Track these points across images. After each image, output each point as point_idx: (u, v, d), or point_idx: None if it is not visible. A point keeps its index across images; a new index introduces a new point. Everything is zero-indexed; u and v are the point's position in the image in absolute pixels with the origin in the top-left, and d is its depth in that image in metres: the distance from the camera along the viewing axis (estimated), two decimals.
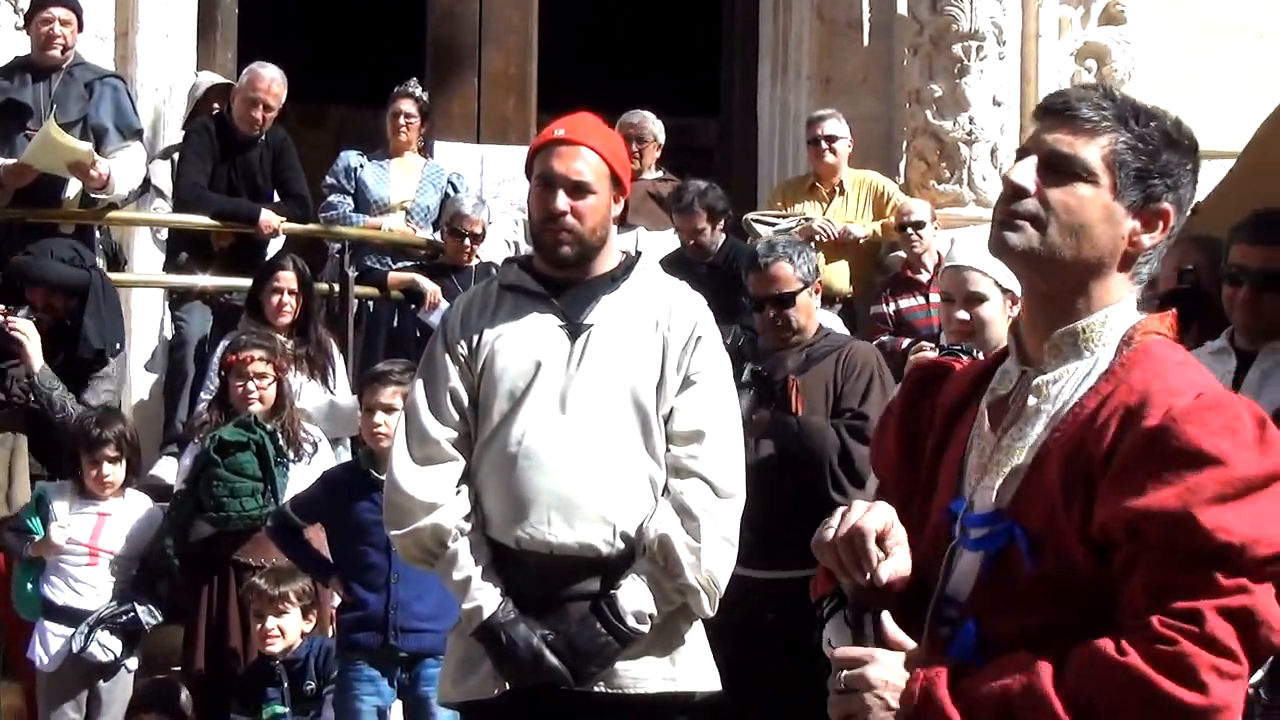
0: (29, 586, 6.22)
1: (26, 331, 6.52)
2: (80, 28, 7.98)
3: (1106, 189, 2.24)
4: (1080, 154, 2.23)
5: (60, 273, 6.95)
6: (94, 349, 7.00)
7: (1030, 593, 2.17)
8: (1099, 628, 2.09)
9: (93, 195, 7.65)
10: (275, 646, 5.71)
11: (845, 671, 2.15)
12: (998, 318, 4.95)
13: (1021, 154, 2.30)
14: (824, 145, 8.53)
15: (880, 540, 2.16)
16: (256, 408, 6.21)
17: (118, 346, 7.30)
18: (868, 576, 2.16)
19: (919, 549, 2.26)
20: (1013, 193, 2.24)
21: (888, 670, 2.12)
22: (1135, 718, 2.03)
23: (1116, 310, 2.28)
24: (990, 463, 2.28)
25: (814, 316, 5.78)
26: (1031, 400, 2.27)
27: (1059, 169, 2.24)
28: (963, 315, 5.02)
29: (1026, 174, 2.24)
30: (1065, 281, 2.26)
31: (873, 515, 2.19)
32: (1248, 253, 4.51)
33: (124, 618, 6.06)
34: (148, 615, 6.09)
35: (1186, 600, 2.02)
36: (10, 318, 6.47)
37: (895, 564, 2.18)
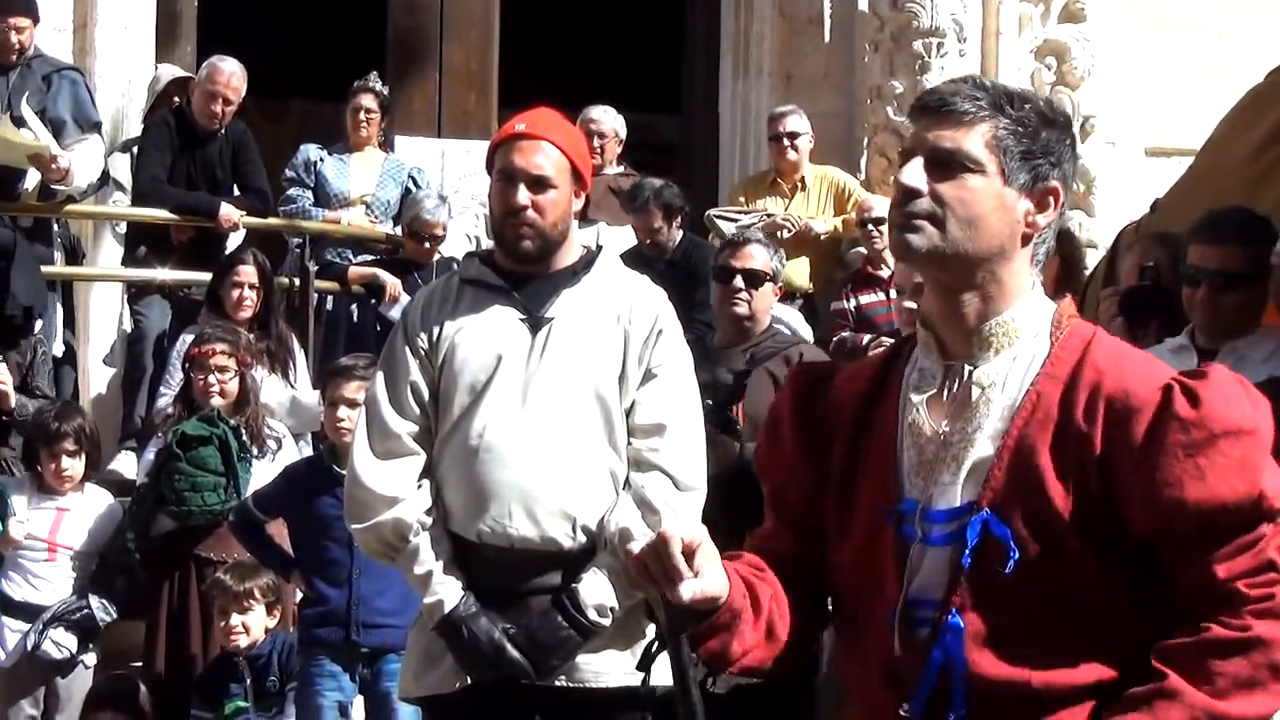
0: None
1: (6, 385, 6.51)
2: (37, 20, 7.95)
3: (995, 176, 2.22)
4: (963, 146, 2.21)
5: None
6: (22, 305, 6.95)
7: (1017, 583, 2.12)
8: (1095, 613, 2.13)
9: (52, 187, 7.59)
10: (240, 642, 5.68)
11: None
12: None
13: (906, 155, 2.27)
14: (785, 142, 8.53)
15: (688, 555, 2.10)
16: (218, 401, 6.18)
17: (44, 309, 7.25)
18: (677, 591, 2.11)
19: (845, 552, 2.26)
20: (905, 195, 2.22)
21: None
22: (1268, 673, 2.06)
23: (1032, 296, 2.29)
24: (939, 458, 2.24)
25: (768, 314, 5.77)
26: (975, 393, 2.24)
27: (946, 164, 2.21)
28: (910, 305, 5.04)
29: (916, 175, 2.21)
30: (972, 273, 2.24)
31: (680, 526, 2.16)
32: (1204, 253, 4.51)
33: (78, 614, 6.05)
34: (102, 612, 6.08)
35: (1253, 559, 2.07)
36: None
37: (702, 584, 2.12)
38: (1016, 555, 2.11)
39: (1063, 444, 2.13)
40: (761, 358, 5.47)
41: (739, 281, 5.60)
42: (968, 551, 2.15)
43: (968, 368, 2.24)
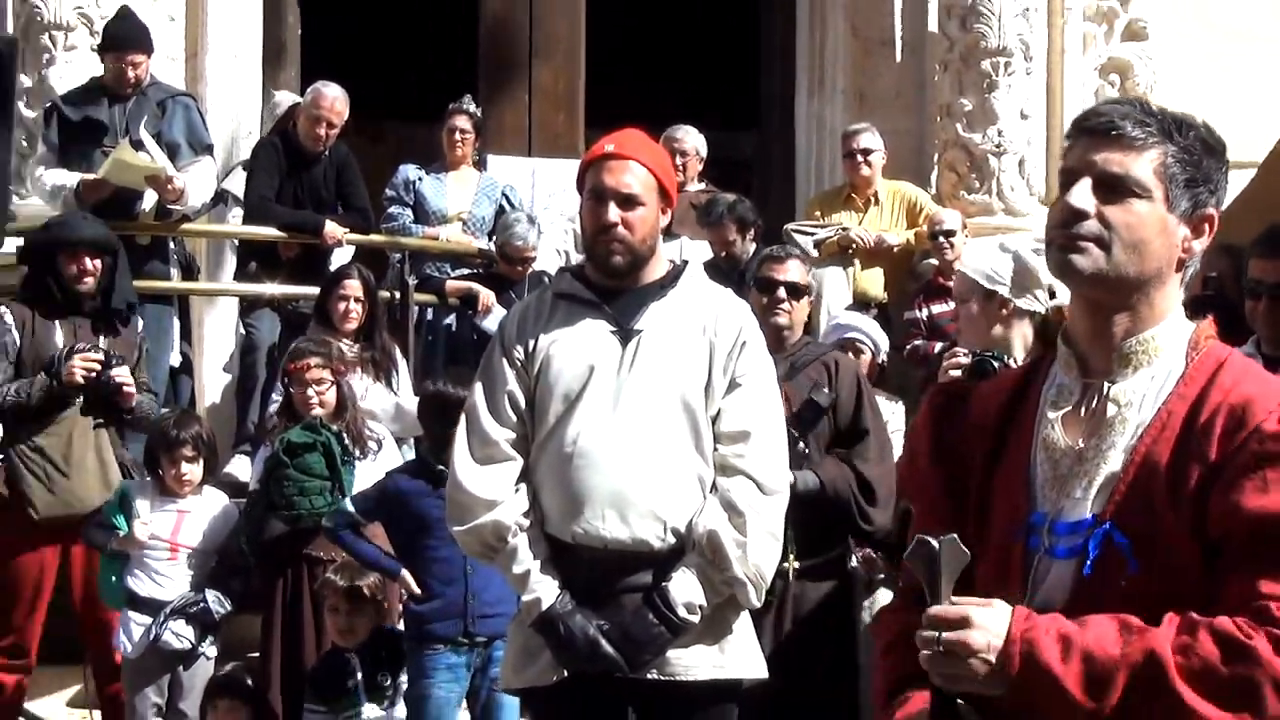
0: (114, 579, 6.25)
1: (127, 383, 6.51)
2: (152, 51, 8.03)
3: (1160, 202, 2.20)
4: (1133, 171, 2.19)
5: (99, 232, 6.87)
6: (126, 301, 6.98)
7: (1134, 595, 2.12)
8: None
9: (168, 207, 7.66)
10: (349, 639, 5.72)
11: (945, 634, 2.08)
12: (976, 317, 4.92)
13: (1070, 176, 2.24)
14: (859, 158, 8.51)
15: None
16: (318, 411, 6.21)
17: (132, 310, 7.21)
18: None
19: (982, 567, 2.21)
20: (1073, 216, 2.19)
21: (988, 626, 2.07)
22: (1250, 693, 2.02)
23: (1174, 317, 2.26)
24: (1073, 473, 2.23)
25: (802, 325, 5.74)
26: (1111, 410, 2.23)
27: (1114, 188, 2.19)
28: (974, 309, 4.97)
29: (1084, 197, 2.19)
30: (1130, 294, 2.23)
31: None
32: (1264, 266, 4.50)
33: (196, 608, 6.08)
34: (218, 605, 6.10)
35: None
36: (108, 369, 6.44)
37: None
38: (1135, 566, 2.12)
39: (1184, 460, 2.12)
40: (800, 366, 5.47)
41: (781, 293, 5.57)
42: (1089, 563, 2.15)
43: (1106, 384, 2.23)
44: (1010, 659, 2.05)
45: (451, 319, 8.12)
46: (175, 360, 8.15)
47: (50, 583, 6.48)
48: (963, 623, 2.07)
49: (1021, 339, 4.76)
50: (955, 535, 2.12)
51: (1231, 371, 2.20)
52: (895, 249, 8.42)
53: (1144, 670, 2.02)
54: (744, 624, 4.19)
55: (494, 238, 8.23)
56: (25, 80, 7.99)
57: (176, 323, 8.22)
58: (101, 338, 6.61)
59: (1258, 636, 2.00)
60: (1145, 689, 2.02)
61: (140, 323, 7.32)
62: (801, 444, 5.24)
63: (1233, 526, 2.07)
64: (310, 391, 6.22)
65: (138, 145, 7.49)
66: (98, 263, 6.63)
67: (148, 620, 6.09)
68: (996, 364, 4.62)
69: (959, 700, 2.12)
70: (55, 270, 6.62)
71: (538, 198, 8.54)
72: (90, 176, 7.50)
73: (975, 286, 4.89)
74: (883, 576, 5.65)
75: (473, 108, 8.81)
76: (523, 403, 4.14)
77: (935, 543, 2.10)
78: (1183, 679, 2.00)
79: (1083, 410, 2.26)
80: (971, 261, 4.93)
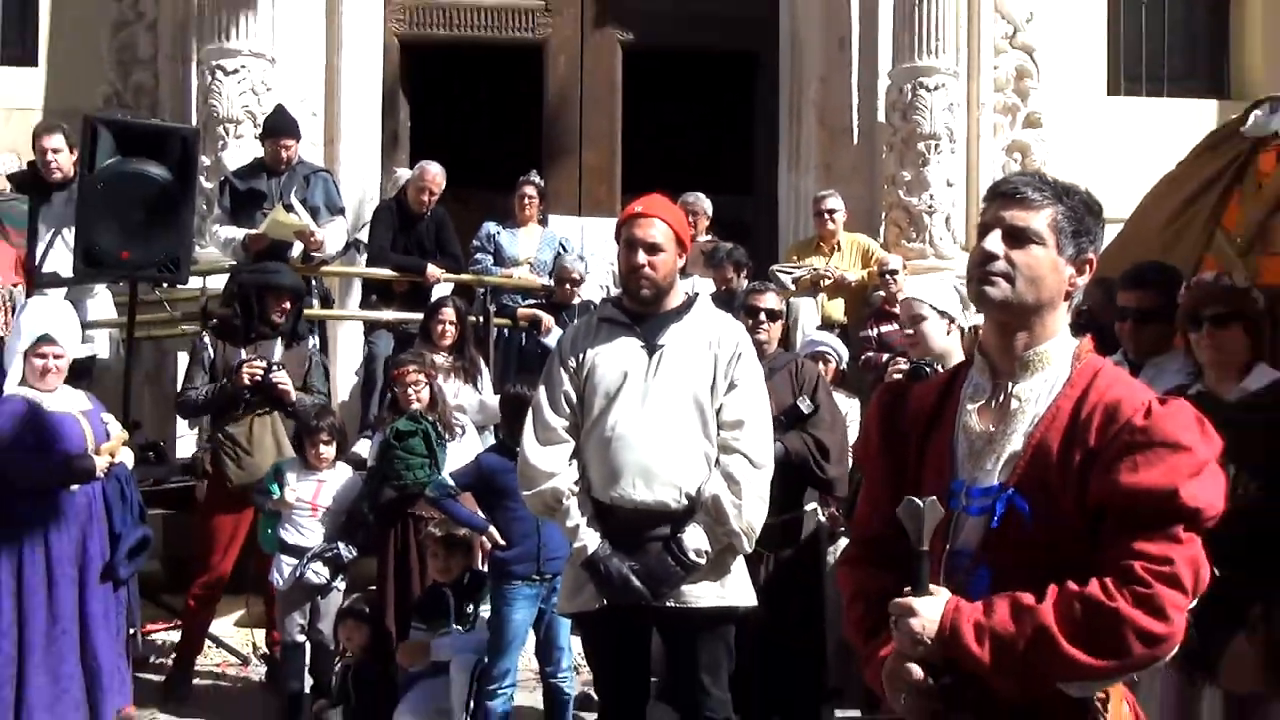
0: (270, 531, 6.34)
1: (287, 385, 6.59)
2: (300, 137, 8.12)
3: (1053, 248, 2.25)
4: (1032, 225, 2.25)
5: (295, 280, 7.02)
6: (306, 330, 7.12)
7: (1029, 544, 2.17)
8: (1078, 567, 2.11)
9: (311, 254, 7.70)
10: (445, 576, 5.75)
11: (898, 617, 2.14)
12: (934, 332, 4.96)
13: (985, 228, 2.29)
14: (826, 216, 8.50)
15: None
16: (416, 406, 6.21)
17: (311, 335, 7.39)
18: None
19: None
20: (987, 258, 2.25)
21: (927, 615, 2.12)
22: (1120, 644, 2.05)
23: (1062, 335, 2.30)
24: (985, 451, 2.28)
25: (776, 341, 5.70)
26: (1014, 404, 2.27)
27: (1018, 237, 2.25)
28: (908, 332, 5.04)
29: (996, 244, 2.25)
30: (1029, 317, 2.27)
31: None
32: (1129, 296, 4.49)
33: (329, 553, 6.11)
34: (346, 551, 6.13)
35: (1160, 548, 2.06)
36: (269, 374, 6.54)
37: None
38: (1030, 523, 2.16)
39: (1070, 444, 2.17)
40: (775, 370, 5.43)
41: (762, 317, 5.56)
42: (995, 518, 2.19)
43: (1011, 384, 2.27)
44: (941, 641, 2.10)
45: (521, 337, 8.13)
46: None
47: (242, 535, 6.57)
48: (908, 611, 2.13)
49: (960, 349, 4.82)
50: (935, 498, 2.16)
51: (1106, 377, 2.24)
52: (853, 284, 8.40)
53: (1036, 639, 2.05)
54: (739, 565, 4.21)
55: (553, 275, 8.26)
56: (205, 160, 8.06)
57: (317, 340, 8.27)
58: (276, 353, 6.69)
59: (1119, 598, 2.03)
60: (1040, 652, 2.05)
61: (314, 341, 7.43)
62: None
63: (1109, 499, 2.10)
64: (410, 391, 6.22)
65: (289, 208, 7.53)
66: (289, 304, 6.77)
67: (295, 562, 6.14)
68: (928, 369, 4.67)
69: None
70: (261, 303, 6.72)
71: (585, 247, 8.57)
72: (253, 232, 7.55)
73: (929, 311, 4.94)
74: (843, 529, 5.66)
75: (538, 179, 8.83)
76: (574, 399, 4.18)
77: (920, 502, 2.15)
78: (1066, 640, 2.04)
79: (993, 404, 2.30)
80: (924, 295, 4.98)
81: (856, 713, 5.90)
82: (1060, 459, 2.17)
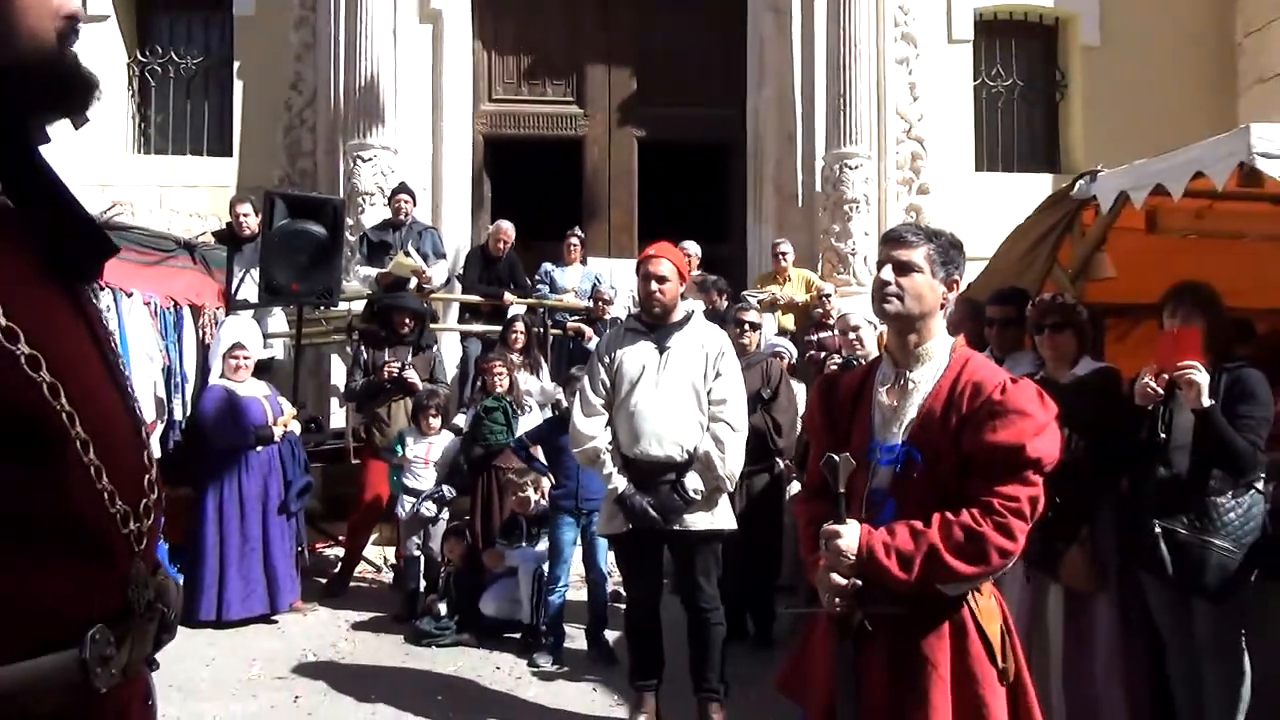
0: (396, 478, 6.32)
1: (414, 378, 6.61)
2: (415, 203, 8.09)
3: (928, 274, 2.25)
4: (913, 259, 2.24)
5: (417, 304, 7.04)
6: (428, 343, 7.10)
7: (921, 483, 2.17)
8: (953, 500, 2.10)
9: (423, 286, 7.69)
10: (521, 508, 5.73)
11: (827, 539, 2.14)
12: (869, 338, 4.94)
13: (880, 264, 2.29)
14: (780, 257, 8.45)
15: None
16: (499, 389, 6.21)
17: (434, 344, 7.40)
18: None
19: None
20: (883, 285, 2.25)
21: (849, 539, 2.12)
22: (984, 557, 2.05)
23: (940, 335, 2.29)
24: (890, 419, 2.26)
25: (755, 343, 5.69)
26: (910, 385, 2.26)
27: (903, 268, 2.24)
28: (851, 337, 5.01)
29: (889, 274, 2.25)
30: (914, 324, 2.27)
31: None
32: (994, 310, 4.48)
33: (436, 494, 6.10)
34: (448, 492, 6.12)
35: (1012, 489, 2.06)
36: (402, 371, 6.57)
37: None
38: (922, 467, 2.16)
39: (948, 411, 2.16)
40: (753, 364, 5.42)
41: (747, 327, 5.57)
42: (899, 466, 2.19)
43: (907, 373, 2.26)
44: (860, 557, 2.10)
45: (569, 343, 8.10)
46: None
47: (385, 485, 6.52)
48: (835, 535, 2.13)
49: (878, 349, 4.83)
50: (849, 454, 2.18)
51: (974, 363, 2.23)
52: (800, 304, 8.36)
53: (928, 554, 2.05)
54: (724, 500, 4.19)
55: (590, 299, 8.24)
56: (349, 221, 8.03)
57: (439, 347, 8.26)
58: (409, 356, 6.71)
59: (984, 525, 2.04)
60: (930, 564, 2.05)
61: (436, 347, 7.43)
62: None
63: (975, 451, 2.10)
64: (495, 378, 6.23)
65: (408, 254, 7.53)
66: (412, 320, 6.80)
67: (412, 500, 6.13)
68: (855, 364, 4.65)
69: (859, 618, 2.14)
70: (391, 318, 6.77)
71: (614, 279, 8.51)
72: (383, 271, 7.54)
73: (864, 323, 4.93)
74: (794, 476, 5.65)
75: (579, 233, 8.80)
76: (608, 384, 4.17)
77: (837, 457, 2.15)
78: (948, 553, 2.04)
79: (896, 386, 2.28)
80: (857, 312, 4.95)
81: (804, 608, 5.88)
82: (942, 423, 2.15)
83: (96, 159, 9.20)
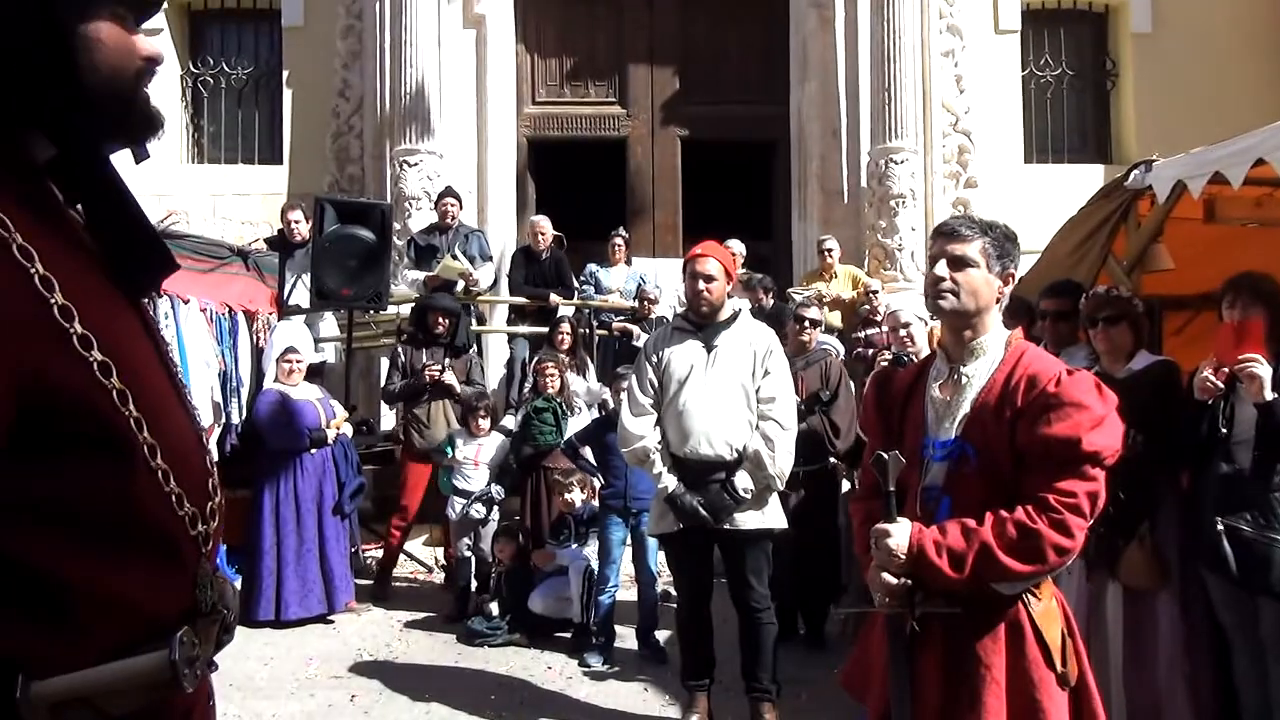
0: (446, 479, 6.36)
1: (452, 381, 6.63)
2: (462, 207, 8.12)
3: (984, 268, 2.19)
4: (968, 253, 2.19)
5: (451, 304, 7.04)
6: (464, 342, 7.08)
7: (975, 479, 2.12)
8: (1010, 496, 2.06)
9: (469, 288, 7.74)
10: (568, 508, 5.75)
11: (877, 538, 2.12)
12: (919, 335, 4.87)
13: (933, 259, 2.24)
14: (825, 253, 8.39)
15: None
16: (550, 390, 6.22)
17: (471, 345, 7.36)
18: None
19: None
20: (937, 280, 2.20)
21: (899, 538, 2.09)
22: (1040, 555, 2.00)
23: (995, 329, 2.24)
24: (944, 414, 2.22)
25: (817, 341, 5.66)
26: (963, 380, 2.22)
27: (958, 263, 2.19)
28: (901, 334, 4.93)
29: (943, 269, 2.20)
30: (971, 319, 2.22)
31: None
32: (1048, 303, 4.39)
33: (485, 496, 6.11)
34: (497, 494, 6.13)
35: (1069, 485, 2.01)
36: (442, 374, 6.58)
37: None
38: (976, 462, 2.12)
39: (1002, 405, 2.11)
40: (812, 362, 5.42)
41: (807, 324, 5.53)
42: (953, 461, 2.15)
43: (960, 367, 2.22)
44: (911, 556, 2.07)
45: (615, 343, 8.10)
46: None
47: (423, 485, 6.58)
48: (885, 534, 2.10)
49: (928, 344, 4.77)
50: (897, 451, 2.15)
51: (1029, 356, 2.18)
52: (846, 300, 8.29)
53: (980, 552, 2.01)
54: (774, 499, 4.15)
55: (636, 298, 8.24)
56: (396, 225, 8.11)
57: (476, 349, 8.31)
58: (447, 359, 6.73)
59: (1039, 522, 1.99)
60: (983, 562, 2.01)
61: (474, 349, 7.42)
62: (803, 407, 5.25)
63: (1030, 445, 2.04)
64: (546, 380, 6.24)
65: (455, 257, 7.57)
66: (446, 320, 6.79)
67: (462, 501, 6.16)
68: (906, 360, 4.59)
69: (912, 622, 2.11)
70: (425, 318, 6.78)
71: (658, 278, 8.46)
72: (430, 274, 7.60)
73: (914, 319, 4.87)
74: (846, 473, 5.60)
75: (624, 233, 8.80)
76: (656, 384, 4.15)
77: (887, 455, 2.13)
78: (1002, 551, 1.99)
79: (949, 381, 2.24)
80: (907, 308, 4.88)
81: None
82: (996, 417, 2.11)
83: (152, 169, 9.38)
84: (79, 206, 1.20)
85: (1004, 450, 2.09)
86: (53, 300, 1.07)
